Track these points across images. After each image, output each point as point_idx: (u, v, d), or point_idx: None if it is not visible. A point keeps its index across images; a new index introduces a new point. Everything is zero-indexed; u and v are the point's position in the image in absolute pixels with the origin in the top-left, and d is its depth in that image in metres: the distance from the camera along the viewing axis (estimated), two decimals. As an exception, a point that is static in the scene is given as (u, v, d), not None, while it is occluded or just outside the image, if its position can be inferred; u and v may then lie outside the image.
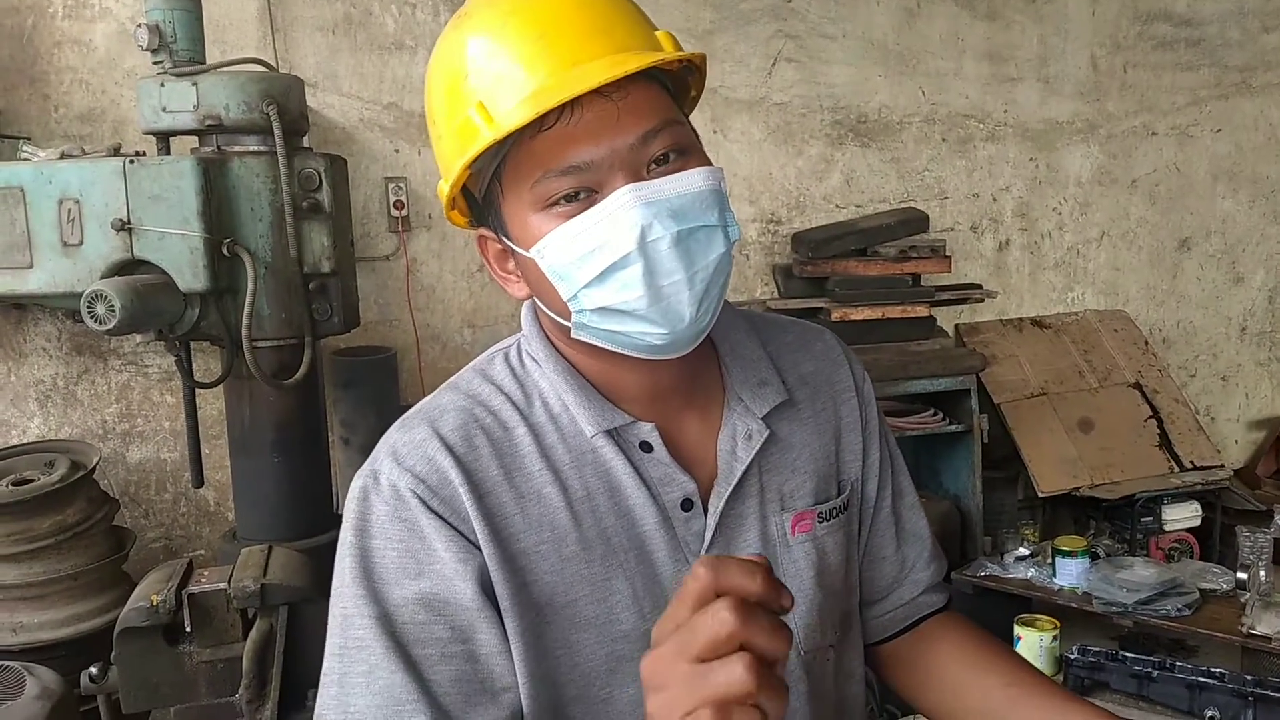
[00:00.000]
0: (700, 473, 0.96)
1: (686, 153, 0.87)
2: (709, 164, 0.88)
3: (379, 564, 0.88)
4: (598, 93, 0.81)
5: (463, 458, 0.91)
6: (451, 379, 1.01)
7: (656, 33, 0.89)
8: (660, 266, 0.83)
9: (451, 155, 0.88)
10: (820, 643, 1.02)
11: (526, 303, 1.00)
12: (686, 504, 0.95)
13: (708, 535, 0.95)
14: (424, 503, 0.88)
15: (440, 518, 0.88)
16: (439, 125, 0.90)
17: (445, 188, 0.90)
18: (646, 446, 0.95)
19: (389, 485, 0.89)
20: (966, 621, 1.14)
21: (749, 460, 0.97)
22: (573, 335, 0.91)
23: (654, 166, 0.85)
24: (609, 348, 0.90)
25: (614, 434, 0.94)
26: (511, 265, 0.93)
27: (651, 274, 0.83)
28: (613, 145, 0.83)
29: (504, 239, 0.91)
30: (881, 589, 1.12)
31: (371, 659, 0.85)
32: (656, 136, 0.84)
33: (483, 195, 0.91)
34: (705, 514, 0.96)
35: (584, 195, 0.84)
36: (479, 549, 0.89)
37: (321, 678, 0.89)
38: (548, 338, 0.98)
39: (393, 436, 0.94)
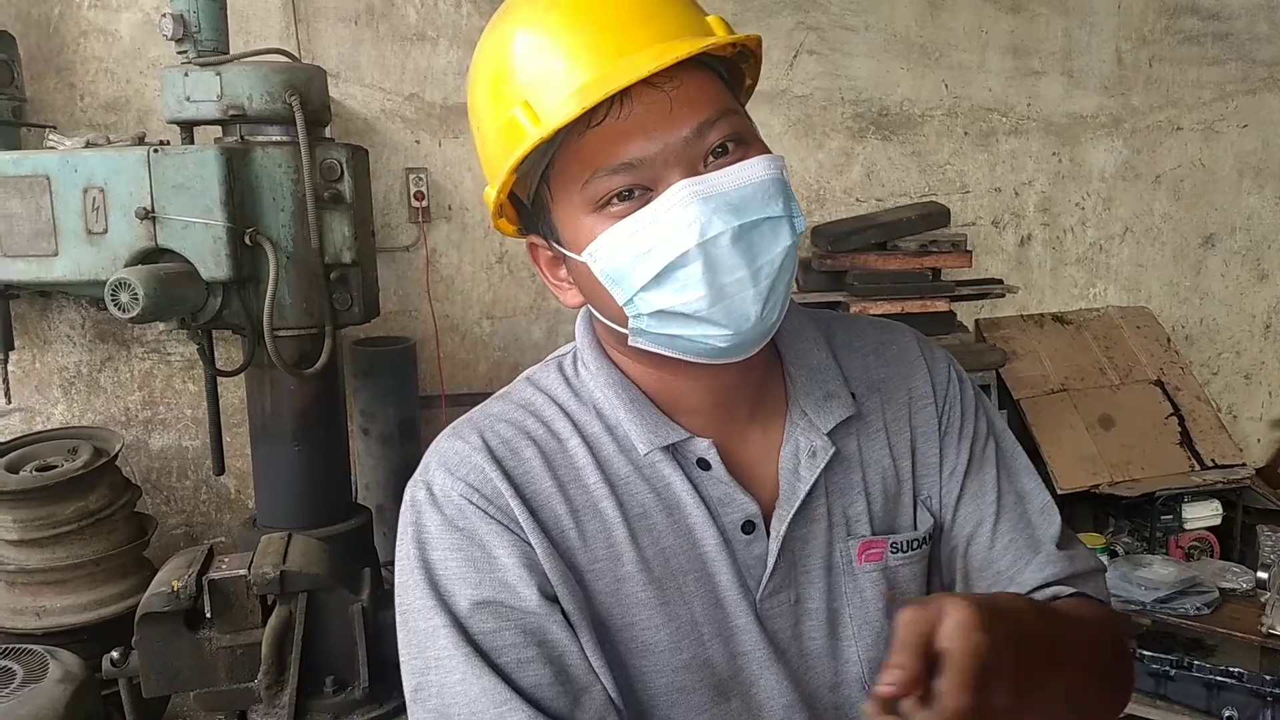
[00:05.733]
0: (762, 492, 0.91)
1: (745, 142, 0.82)
2: (769, 152, 0.83)
3: (442, 575, 0.85)
4: (648, 84, 0.77)
5: (511, 471, 0.87)
6: (505, 388, 0.97)
7: (708, 18, 0.85)
8: (721, 264, 0.78)
9: (497, 158, 0.84)
10: None
11: (581, 312, 0.96)
12: (748, 526, 0.90)
13: (770, 561, 0.90)
14: (481, 510, 0.86)
15: (499, 523, 0.85)
16: (484, 128, 0.86)
17: (492, 193, 0.85)
18: (704, 464, 0.89)
19: (442, 495, 0.87)
20: (1084, 599, 0.96)
21: (813, 480, 0.90)
22: (630, 343, 0.86)
23: (711, 159, 0.80)
24: (669, 354, 0.85)
25: (671, 449, 0.89)
26: (564, 272, 0.89)
27: (713, 272, 0.78)
28: (666, 139, 0.79)
29: (555, 244, 0.86)
30: None
31: (462, 667, 0.82)
32: (712, 127, 0.80)
33: (531, 199, 0.86)
34: (767, 537, 0.90)
35: (638, 193, 0.80)
36: (539, 560, 0.85)
37: (413, 693, 0.85)
38: (602, 347, 0.94)
39: (442, 445, 0.91)
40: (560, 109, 0.78)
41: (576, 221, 0.82)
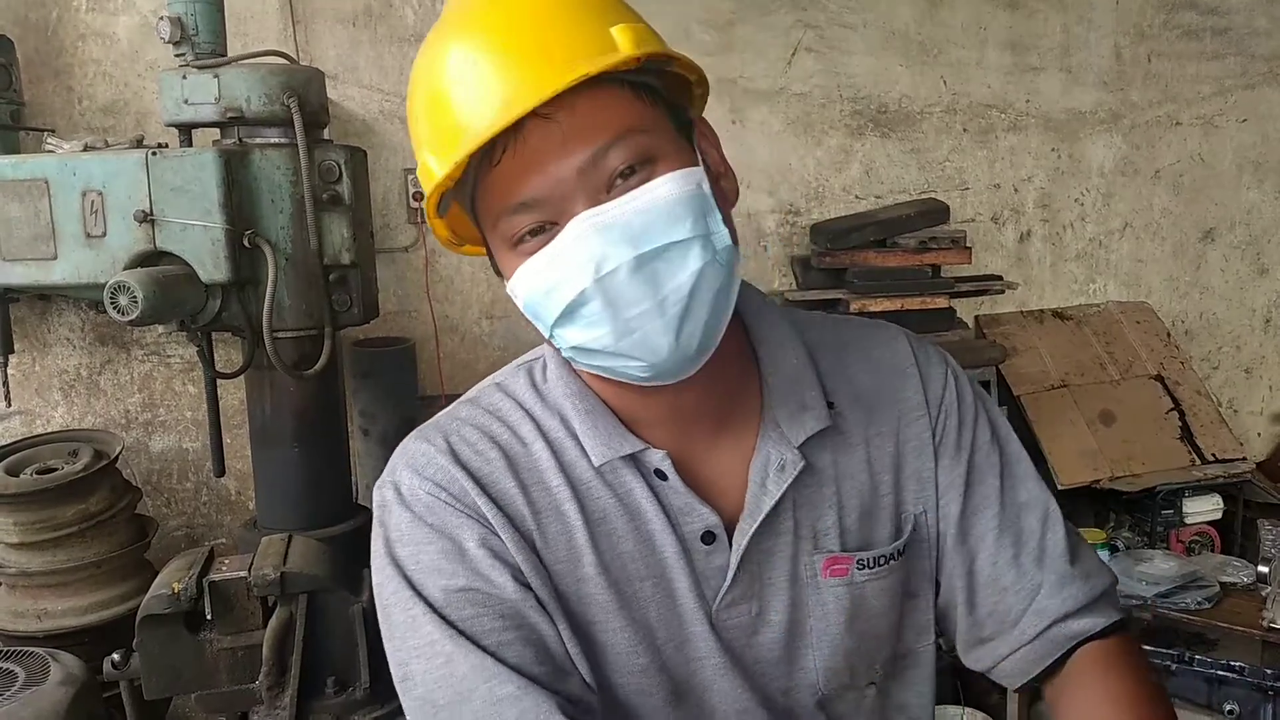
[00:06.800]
0: (727, 503, 0.89)
1: (653, 161, 0.78)
2: (685, 166, 0.79)
3: (414, 569, 0.85)
4: (539, 116, 0.73)
5: (475, 471, 0.88)
6: (471, 391, 0.97)
7: (614, 28, 0.77)
8: (622, 298, 0.76)
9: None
10: (850, 683, 0.95)
11: None
12: (708, 536, 0.89)
13: (729, 573, 0.89)
14: (449, 505, 0.86)
15: (468, 516, 0.86)
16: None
17: (434, 228, 0.88)
18: (661, 474, 0.88)
19: (409, 493, 0.87)
20: (1118, 655, 0.95)
21: (780, 494, 0.88)
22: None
23: (619, 182, 0.77)
24: (610, 377, 0.85)
25: (630, 459, 0.88)
26: None
27: (614, 308, 0.76)
28: (559, 174, 0.76)
29: (500, 275, 0.86)
30: (1008, 621, 0.95)
31: (447, 649, 0.83)
32: (610, 151, 0.76)
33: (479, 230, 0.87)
34: (730, 548, 0.89)
35: (547, 228, 0.78)
36: (511, 552, 0.86)
37: (401, 682, 0.86)
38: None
39: (409, 447, 0.91)
40: (446, 160, 0.77)
41: (502, 255, 0.83)
